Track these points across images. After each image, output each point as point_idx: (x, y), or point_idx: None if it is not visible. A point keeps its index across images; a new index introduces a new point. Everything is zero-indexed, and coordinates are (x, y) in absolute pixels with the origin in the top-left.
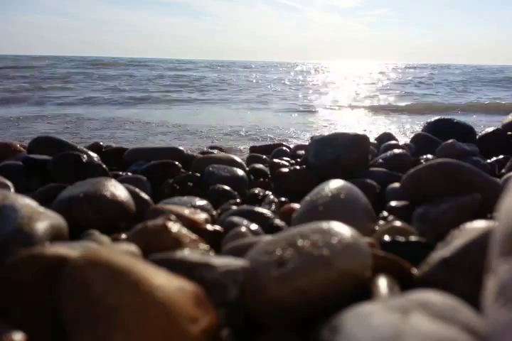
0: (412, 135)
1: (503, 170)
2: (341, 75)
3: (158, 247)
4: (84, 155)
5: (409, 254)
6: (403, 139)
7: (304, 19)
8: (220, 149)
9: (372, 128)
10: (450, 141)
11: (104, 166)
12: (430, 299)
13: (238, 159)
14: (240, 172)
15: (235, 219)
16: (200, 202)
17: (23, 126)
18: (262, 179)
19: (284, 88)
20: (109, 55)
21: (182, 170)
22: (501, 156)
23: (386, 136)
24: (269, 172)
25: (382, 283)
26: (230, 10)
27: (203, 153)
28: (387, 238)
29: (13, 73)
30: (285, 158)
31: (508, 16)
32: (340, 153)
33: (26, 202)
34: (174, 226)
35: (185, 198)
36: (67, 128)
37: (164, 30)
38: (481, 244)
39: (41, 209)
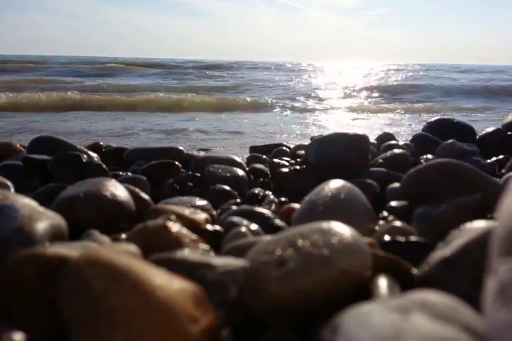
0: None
1: (503, 170)
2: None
3: (158, 247)
4: (85, 155)
5: (409, 254)
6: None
7: (304, 19)
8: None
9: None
10: (450, 141)
11: (104, 166)
12: (430, 299)
13: (238, 159)
14: (240, 172)
15: (235, 219)
16: (200, 202)
17: None
18: (262, 179)
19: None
20: (108, 55)
21: (182, 170)
22: (501, 156)
23: (386, 136)
24: (269, 172)
25: (382, 283)
26: (230, 10)
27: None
28: (387, 238)
29: None
30: (285, 158)
31: (510, 16)
32: (341, 153)
33: (26, 202)
34: (174, 226)
35: (185, 198)
36: None
37: (164, 30)
38: (481, 243)
39: (41, 209)
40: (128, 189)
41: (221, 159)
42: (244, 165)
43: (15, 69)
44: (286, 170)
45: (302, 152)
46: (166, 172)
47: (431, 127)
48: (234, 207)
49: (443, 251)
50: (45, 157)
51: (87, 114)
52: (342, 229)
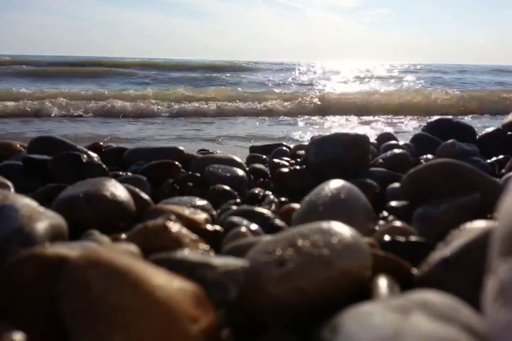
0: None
1: (503, 170)
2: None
3: (158, 247)
4: (85, 155)
5: (409, 254)
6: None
7: (304, 19)
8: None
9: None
10: (450, 141)
11: (104, 166)
12: (430, 299)
13: (238, 159)
14: (240, 172)
15: (235, 219)
16: (200, 202)
17: None
18: (262, 179)
19: None
20: (109, 55)
21: (182, 170)
22: (501, 156)
23: (386, 136)
24: (269, 172)
25: (382, 283)
26: (230, 10)
27: (202, 153)
28: (387, 238)
29: None
30: (285, 158)
31: (509, 16)
32: (341, 153)
33: (26, 202)
34: (174, 226)
35: (185, 198)
36: None
37: (164, 31)
38: (481, 243)
39: (41, 209)
40: (128, 189)
41: (221, 159)
42: (244, 165)
43: None
44: (286, 170)
45: (302, 152)
46: (166, 172)
47: (431, 127)
48: (234, 207)
49: (443, 251)
50: (45, 157)
51: None
52: (342, 229)
